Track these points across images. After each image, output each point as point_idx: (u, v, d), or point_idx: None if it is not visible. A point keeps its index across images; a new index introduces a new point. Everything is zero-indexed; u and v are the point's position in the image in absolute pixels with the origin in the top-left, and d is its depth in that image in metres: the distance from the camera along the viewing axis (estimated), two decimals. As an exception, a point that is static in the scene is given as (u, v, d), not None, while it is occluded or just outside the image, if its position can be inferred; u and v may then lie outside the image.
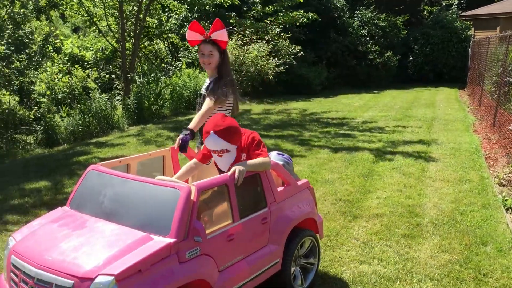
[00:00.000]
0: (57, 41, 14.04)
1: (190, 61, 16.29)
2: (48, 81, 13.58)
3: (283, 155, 3.83)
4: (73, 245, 2.59)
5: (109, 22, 14.51)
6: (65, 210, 3.04)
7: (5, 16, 9.87)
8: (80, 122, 10.46)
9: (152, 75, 13.68)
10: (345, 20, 21.82)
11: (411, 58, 22.76)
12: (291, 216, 3.43)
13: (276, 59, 16.70)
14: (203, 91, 3.83)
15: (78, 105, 11.20)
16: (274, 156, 3.74)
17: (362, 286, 3.75)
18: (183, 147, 3.41)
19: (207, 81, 3.86)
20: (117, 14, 14.64)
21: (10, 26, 9.86)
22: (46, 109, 12.16)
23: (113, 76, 16.08)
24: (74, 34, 23.93)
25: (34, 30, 11.04)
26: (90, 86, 14.39)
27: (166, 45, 18.30)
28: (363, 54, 21.51)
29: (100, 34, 15.56)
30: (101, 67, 15.94)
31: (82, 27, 24.79)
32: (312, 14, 15.73)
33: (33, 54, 10.33)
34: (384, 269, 4.00)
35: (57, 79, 13.87)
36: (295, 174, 3.87)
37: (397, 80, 22.82)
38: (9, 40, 10.08)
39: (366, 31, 21.99)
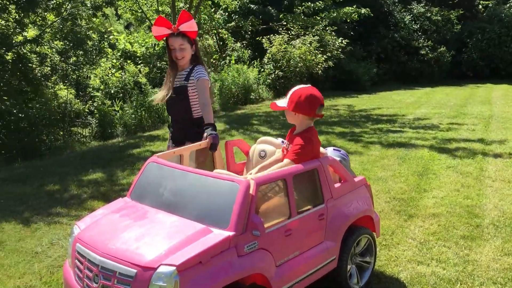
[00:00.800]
0: (112, 37, 14.43)
1: (239, 56, 16.36)
2: (102, 76, 14.01)
3: (340, 151, 3.76)
4: (135, 235, 2.64)
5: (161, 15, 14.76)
6: (126, 201, 3.10)
7: (64, 13, 10.23)
8: (133, 116, 10.73)
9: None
10: (397, 15, 21.26)
11: (465, 54, 21.91)
12: (348, 213, 3.36)
13: (323, 54, 16.50)
14: (180, 83, 3.71)
15: (131, 100, 11.49)
16: (330, 152, 3.64)
17: (420, 287, 3.63)
18: (214, 146, 3.48)
19: (182, 73, 3.74)
20: (169, 10, 14.90)
21: (69, 23, 10.21)
22: (100, 103, 12.58)
23: (164, 71, 16.38)
24: (126, 30, 24.59)
25: (92, 26, 11.40)
26: (141, 81, 14.73)
27: (214, 40, 18.46)
28: (415, 49, 20.91)
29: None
30: (152, 62, 16.26)
31: (134, 23, 25.41)
32: (364, 10, 15.42)
33: (89, 49, 10.66)
34: (443, 271, 3.85)
35: (110, 74, 14.29)
36: (351, 170, 3.80)
37: (450, 76, 22.07)
38: (68, 36, 10.46)
39: (418, 25, 21.35)
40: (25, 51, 9.90)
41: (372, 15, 16.06)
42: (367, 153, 7.88)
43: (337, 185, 3.40)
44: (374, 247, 3.66)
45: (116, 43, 15.56)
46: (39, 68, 10.33)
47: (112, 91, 13.51)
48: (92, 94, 13.66)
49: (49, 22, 10.20)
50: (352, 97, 16.43)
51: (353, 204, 3.46)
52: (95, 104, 12.11)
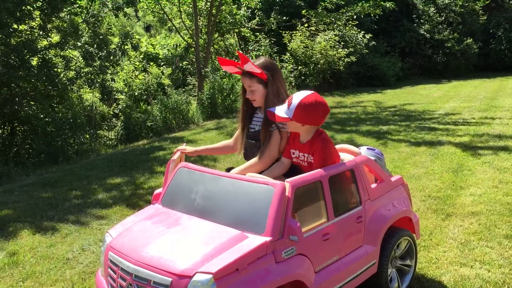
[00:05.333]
0: (134, 40, 14.50)
1: (261, 54, 16.24)
2: (126, 78, 14.09)
3: (374, 149, 3.59)
4: (169, 242, 2.56)
5: (183, 19, 14.74)
6: (157, 208, 3.02)
7: (87, 16, 10.28)
8: (158, 118, 10.73)
9: (222, 70, 13.79)
10: (420, 7, 20.81)
11: (493, 45, 21.32)
12: (386, 214, 3.22)
13: (345, 49, 16.25)
14: (257, 127, 3.23)
15: (154, 101, 11.50)
16: (364, 151, 3.48)
17: (465, 291, 3.45)
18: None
19: (259, 115, 3.24)
20: (190, 10, 14.87)
21: (91, 25, 10.26)
22: (124, 105, 12.65)
23: (186, 72, 16.41)
24: (146, 33, 24.78)
25: (112, 28, 11.46)
26: (164, 82, 14.76)
27: (236, 39, 18.39)
28: (440, 42, 20.44)
29: (173, 31, 15.92)
30: (174, 64, 16.29)
31: (155, 25, 25.60)
32: (389, 4, 15.13)
33: (112, 51, 10.70)
34: (488, 273, 3.66)
35: (133, 76, 14.37)
36: (387, 170, 3.64)
37: (477, 69, 21.51)
38: (90, 39, 10.51)
39: (443, 18, 20.86)
40: (50, 56, 9.99)
41: (396, 8, 15.73)
42: (397, 150, 7.66)
43: (373, 185, 3.26)
44: (414, 250, 3.50)
45: (140, 45, 15.57)
46: (64, 72, 10.41)
47: (136, 93, 13.58)
48: (116, 97, 13.77)
49: (73, 26, 10.27)
50: (377, 92, 16.13)
51: (392, 205, 3.32)
52: (119, 106, 12.17)
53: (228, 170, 3.16)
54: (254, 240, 2.47)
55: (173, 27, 17.67)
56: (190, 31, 14.59)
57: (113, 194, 5.99)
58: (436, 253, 4.02)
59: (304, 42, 15.83)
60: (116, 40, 11.96)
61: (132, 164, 7.48)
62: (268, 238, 2.48)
